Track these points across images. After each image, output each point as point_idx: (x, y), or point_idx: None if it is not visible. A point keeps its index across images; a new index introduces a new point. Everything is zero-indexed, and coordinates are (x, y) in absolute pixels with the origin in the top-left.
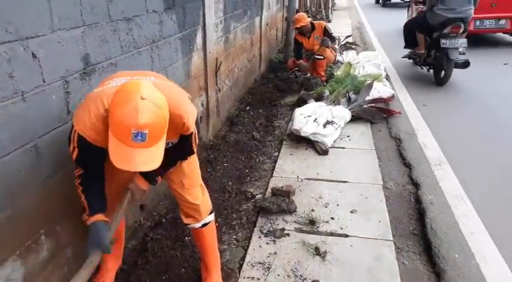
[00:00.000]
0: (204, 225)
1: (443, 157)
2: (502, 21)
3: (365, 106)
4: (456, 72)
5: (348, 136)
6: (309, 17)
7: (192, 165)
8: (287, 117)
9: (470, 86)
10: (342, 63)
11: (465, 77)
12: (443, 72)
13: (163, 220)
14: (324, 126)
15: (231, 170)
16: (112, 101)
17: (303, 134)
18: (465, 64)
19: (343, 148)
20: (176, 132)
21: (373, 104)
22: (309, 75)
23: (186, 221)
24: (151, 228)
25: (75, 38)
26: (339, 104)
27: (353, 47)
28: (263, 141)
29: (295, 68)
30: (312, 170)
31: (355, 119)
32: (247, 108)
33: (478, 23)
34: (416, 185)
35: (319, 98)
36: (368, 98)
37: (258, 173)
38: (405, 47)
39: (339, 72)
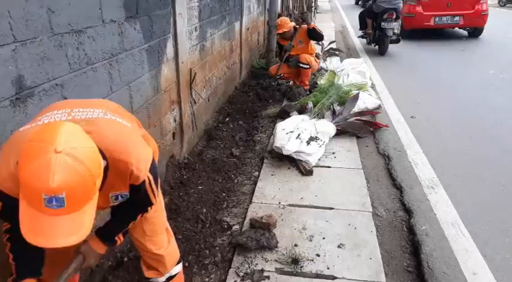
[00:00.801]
0: (170, 278)
1: (436, 178)
2: (457, 18)
3: (350, 119)
4: (447, 85)
5: (333, 153)
6: (291, 21)
7: (155, 208)
8: (268, 131)
9: (460, 96)
10: (326, 71)
11: (451, 84)
12: (383, 46)
13: (125, 259)
14: (308, 143)
15: (206, 194)
16: (21, 154)
17: (285, 152)
18: (397, 40)
19: (329, 167)
20: (125, 182)
21: (359, 117)
22: (291, 83)
23: (147, 274)
24: (111, 268)
25: (2, 57)
26: (323, 118)
27: (337, 53)
28: (243, 159)
29: (278, 75)
30: (295, 195)
31: (340, 133)
32: (227, 119)
33: (437, 19)
34: (408, 211)
35: (302, 110)
36: (354, 110)
37: (236, 197)
38: (360, 29)
39: (322, 81)
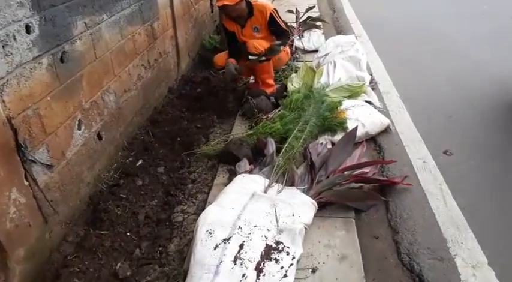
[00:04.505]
0: None
1: None
2: None
3: (342, 184)
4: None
5: (313, 271)
6: None
7: None
8: (202, 194)
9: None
10: (303, 50)
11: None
12: None
13: None
14: (259, 270)
15: None
16: None
17: None
18: None
19: None
20: None
21: (358, 173)
22: (252, 80)
23: None
24: None
25: None
26: (293, 184)
27: (318, 24)
28: None
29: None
30: None
31: (324, 204)
32: (139, 163)
33: None
34: None
35: (259, 148)
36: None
37: None
38: None
39: (295, 84)
